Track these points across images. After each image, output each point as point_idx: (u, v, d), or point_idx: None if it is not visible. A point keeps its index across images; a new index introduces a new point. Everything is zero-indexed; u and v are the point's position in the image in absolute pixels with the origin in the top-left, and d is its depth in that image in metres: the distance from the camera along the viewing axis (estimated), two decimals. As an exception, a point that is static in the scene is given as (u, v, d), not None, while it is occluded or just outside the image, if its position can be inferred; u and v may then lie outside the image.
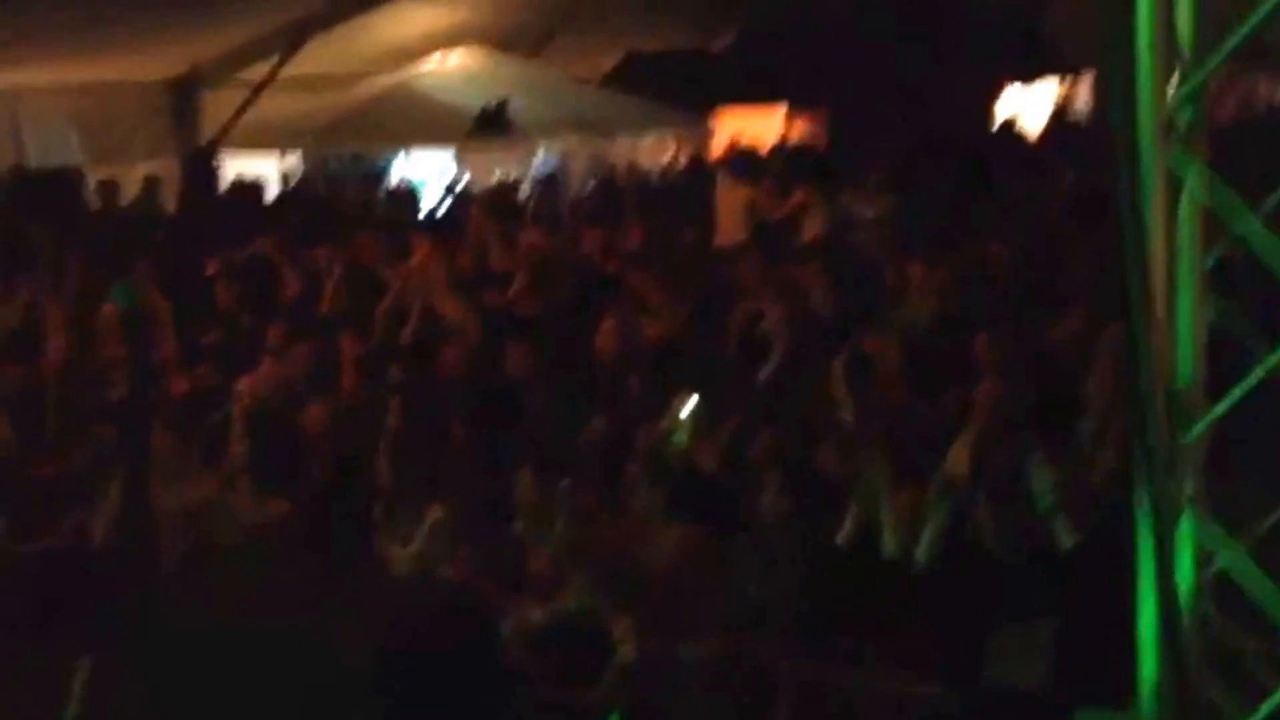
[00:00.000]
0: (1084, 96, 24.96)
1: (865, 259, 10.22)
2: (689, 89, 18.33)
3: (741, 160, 15.47)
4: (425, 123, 15.74)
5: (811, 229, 11.60)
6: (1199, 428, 2.91)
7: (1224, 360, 2.99)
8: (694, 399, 7.51)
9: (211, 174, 15.44)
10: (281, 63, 15.73)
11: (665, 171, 18.72)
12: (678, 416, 7.48)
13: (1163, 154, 2.83)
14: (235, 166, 15.94)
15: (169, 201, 14.83)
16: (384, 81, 16.43)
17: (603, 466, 7.13)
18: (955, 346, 7.87)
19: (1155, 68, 2.80)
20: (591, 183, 17.37)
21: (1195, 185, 2.84)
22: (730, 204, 12.83)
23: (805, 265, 9.40)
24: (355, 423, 7.91)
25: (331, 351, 8.97)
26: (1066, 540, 5.83)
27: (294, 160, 16.72)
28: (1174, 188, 2.86)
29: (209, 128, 16.14)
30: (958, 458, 6.46)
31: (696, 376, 7.87)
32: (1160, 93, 2.81)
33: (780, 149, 17.94)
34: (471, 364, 8.72)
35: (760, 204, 12.43)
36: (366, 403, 8.13)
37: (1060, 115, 22.68)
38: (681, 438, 7.36)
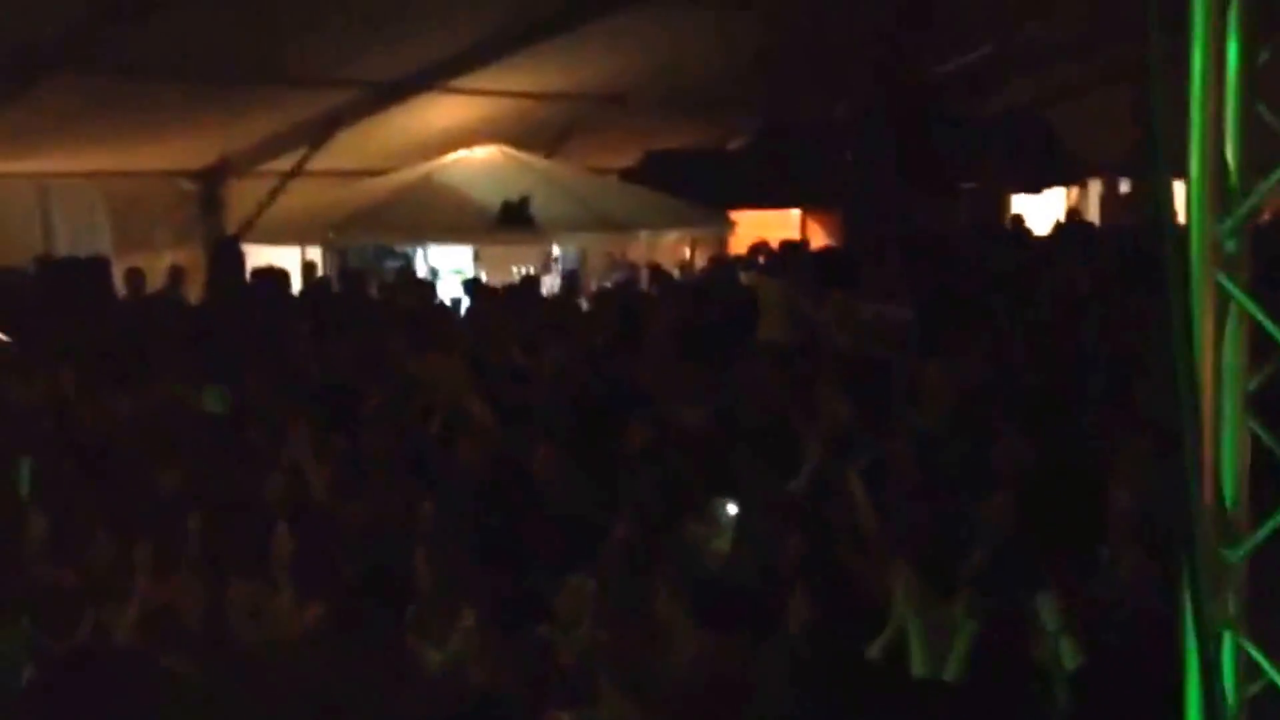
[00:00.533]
0: (1093, 200, 25.37)
1: (885, 363, 10.28)
2: (706, 188, 18.49)
3: (773, 259, 15.77)
4: (447, 216, 15.86)
5: (841, 333, 11.75)
6: (1245, 547, 2.96)
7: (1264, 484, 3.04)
8: (732, 506, 7.51)
9: (238, 263, 15.58)
10: (308, 155, 15.99)
11: (684, 268, 18.87)
12: (718, 521, 7.47)
13: (1210, 279, 2.90)
14: (257, 255, 16.06)
15: (194, 291, 14.95)
16: (406, 175, 16.61)
17: (626, 569, 7.09)
18: (972, 453, 7.86)
19: (1205, 198, 2.88)
20: (610, 279, 17.49)
21: (1241, 309, 2.92)
22: (767, 302, 13.01)
23: (833, 373, 9.46)
24: (388, 522, 7.89)
25: (362, 449, 8.99)
26: (1070, 662, 5.80)
27: (316, 251, 16.84)
28: (1221, 311, 2.93)
29: (233, 218, 16.35)
30: (976, 569, 6.45)
31: (724, 480, 7.87)
32: (1210, 220, 2.89)
33: (801, 248, 18.16)
34: (494, 462, 8.72)
35: (795, 303, 12.60)
36: (399, 502, 8.11)
37: (1073, 215, 23.00)
38: (724, 543, 7.34)
